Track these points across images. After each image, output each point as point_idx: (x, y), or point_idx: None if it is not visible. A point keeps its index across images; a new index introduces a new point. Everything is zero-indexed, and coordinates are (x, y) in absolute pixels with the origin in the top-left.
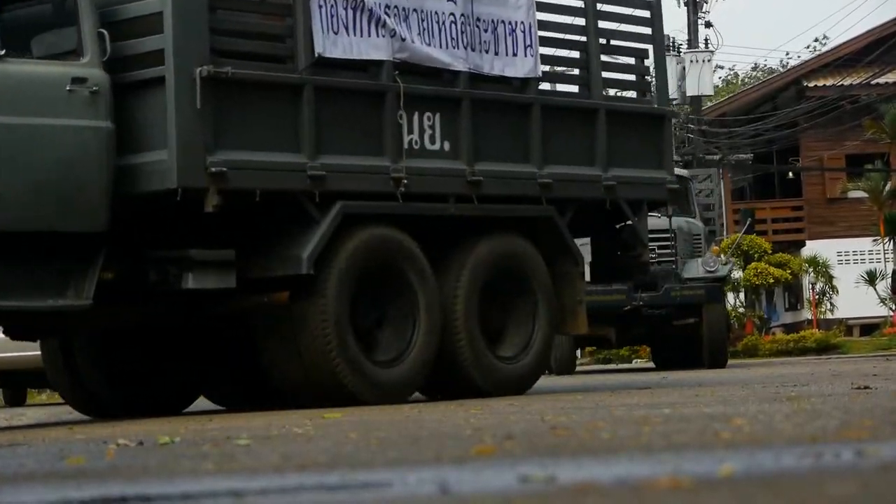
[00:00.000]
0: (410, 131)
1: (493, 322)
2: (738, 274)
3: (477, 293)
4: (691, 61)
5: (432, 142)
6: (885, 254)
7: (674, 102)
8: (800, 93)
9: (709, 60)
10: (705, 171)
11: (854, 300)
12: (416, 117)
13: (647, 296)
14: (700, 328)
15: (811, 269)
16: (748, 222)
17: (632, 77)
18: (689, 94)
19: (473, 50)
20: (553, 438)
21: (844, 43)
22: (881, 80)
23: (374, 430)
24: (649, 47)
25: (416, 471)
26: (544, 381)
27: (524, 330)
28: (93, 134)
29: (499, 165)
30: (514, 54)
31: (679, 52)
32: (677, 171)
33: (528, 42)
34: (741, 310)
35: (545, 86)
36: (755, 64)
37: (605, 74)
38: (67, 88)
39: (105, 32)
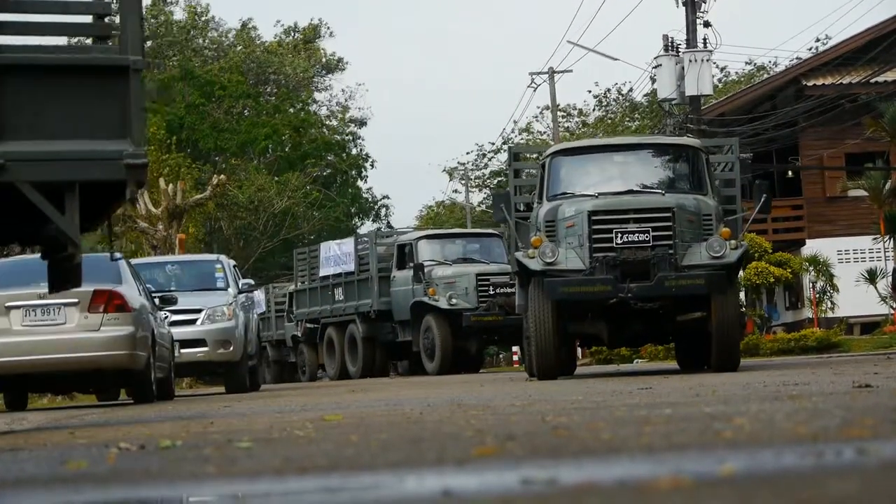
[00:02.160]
0: None
1: None
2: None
3: None
4: (690, 61)
5: None
6: (885, 252)
7: (673, 102)
8: (799, 92)
9: (708, 60)
10: (725, 141)
11: (854, 299)
12: None
13: (637, 286)
14: (708, 324)
15: (811, 268)
16: (763, 199)
17: (86, 18)
18: (687, 93)
19: None
20: (554, 439)
21: (843, 41)
22: (880, 78)
23: (376, 433)
24: None
25: (417, 473)
26: (543, 384)
27: None
28: None
29: None
30: None
31: (678, 51)
32: (687, 139)
33: None
34: (742, 309)
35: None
36: (749, 59)
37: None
38: None
39: None
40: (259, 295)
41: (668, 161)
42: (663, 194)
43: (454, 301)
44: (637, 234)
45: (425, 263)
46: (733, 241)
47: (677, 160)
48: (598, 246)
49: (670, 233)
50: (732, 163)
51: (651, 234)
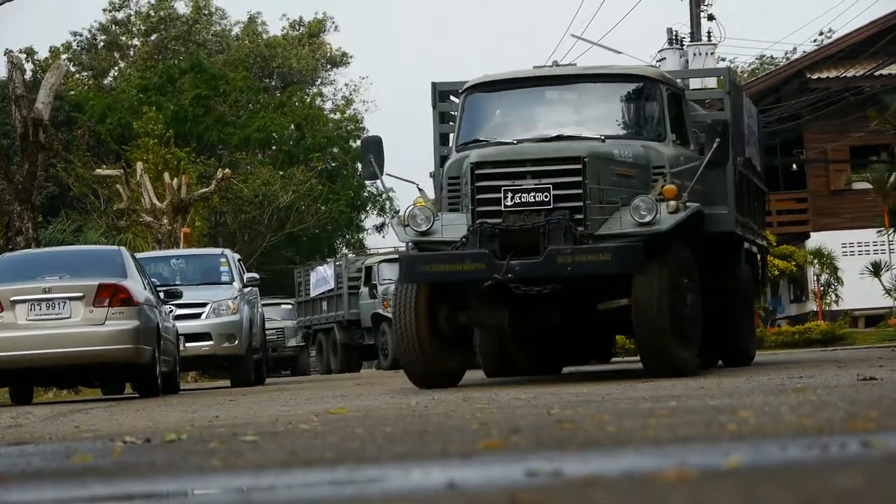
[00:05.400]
0: None
1: None
2: None
3: None
4: (694, 54)
5: None
6: (889, 245)
7: None
8: (803, 84)
9: (711, 53)
10: (711, 70)
11: (859, 291)
12: None
13: (519, 263)
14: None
15: (816, 261)
16: (716, 143)
17: None
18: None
19: None
20: (559, 432)
21: (847, 34)
22: (885, 71)
23: (381, 426)
24: None
25: (423, 465)
26: (542, 377)
27: None
28: None
29: None
30: None
31: (682, 45)
32: (643, 68)
33: None
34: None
35: None
36: (762, 55)
37: None
38: None
39: None
40: (326, 270)
41: (616, 98)
42: (602, 140)
43: None
44: (534, 194)
45: None
46: (673, 203)
47: (629, 97)
48: (483, 210)
49: (579, 191)
50: (723, 100)
51: (552, 193)
